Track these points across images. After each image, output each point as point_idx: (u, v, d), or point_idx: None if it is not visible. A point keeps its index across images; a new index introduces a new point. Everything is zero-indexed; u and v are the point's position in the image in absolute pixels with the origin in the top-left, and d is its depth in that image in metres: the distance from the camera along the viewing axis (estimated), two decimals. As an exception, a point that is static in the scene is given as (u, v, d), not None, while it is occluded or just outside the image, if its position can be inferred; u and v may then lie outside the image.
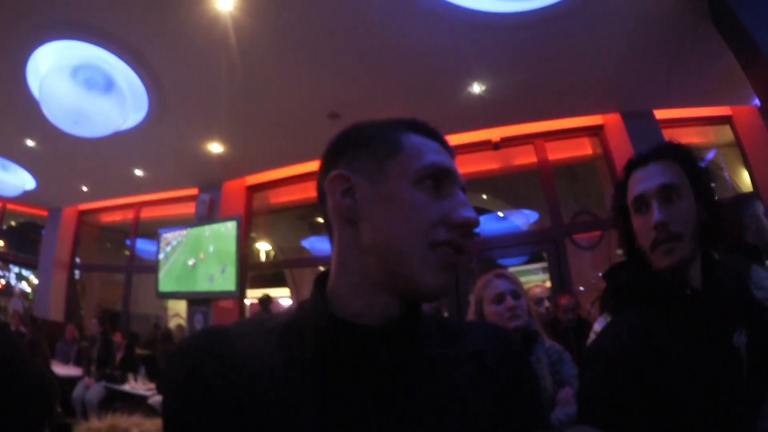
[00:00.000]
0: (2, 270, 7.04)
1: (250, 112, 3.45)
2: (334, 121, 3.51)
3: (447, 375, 0.46)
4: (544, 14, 2.62)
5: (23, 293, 6.77)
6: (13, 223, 6.98)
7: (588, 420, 0.69)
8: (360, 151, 0.47)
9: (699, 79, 3.43)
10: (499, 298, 1.36)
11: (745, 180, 3.97)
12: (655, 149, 0.78)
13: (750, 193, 1.75)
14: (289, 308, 0.51)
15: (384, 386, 0.43)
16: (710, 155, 4.30)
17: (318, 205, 0.51)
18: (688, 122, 4.01)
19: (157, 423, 0.81)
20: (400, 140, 0.47)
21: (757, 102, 3.69)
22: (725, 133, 4.10)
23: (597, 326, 1.89)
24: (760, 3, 2.28)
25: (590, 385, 0.73)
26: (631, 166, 0.80)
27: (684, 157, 0.76)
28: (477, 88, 3.28)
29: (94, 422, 0.81)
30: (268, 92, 3.19)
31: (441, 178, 0.46)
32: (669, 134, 3.73)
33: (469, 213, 0.45)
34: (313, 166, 4.36)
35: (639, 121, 3.80)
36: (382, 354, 0.43)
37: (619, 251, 0.86)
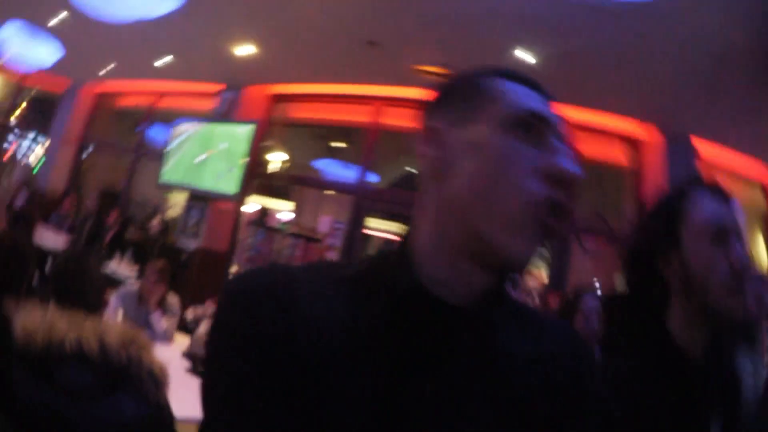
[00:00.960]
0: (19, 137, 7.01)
1: (289, 18, 3.28)
2: (371, 48, 3.36)
3: (519, 373, 0.43)
4: (627, 7, 2.44)
5: (27, 166, 6.77)
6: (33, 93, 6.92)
7: None
8: (451, 101, 0.45)
9: (751, 126, 3.26)
10: None
11: (761, 253, 3.83)
12: (728, 194, 0.70)
13: None
14: (363, 260, 0.46)
15: (452, 371, 0.40)
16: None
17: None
18: (721, 166, 3.81)
19: (95, 327, 0.76)
20: (492, 85, 0.44)
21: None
22: (754, 195, 3.94)
23: None
24: None
25: None
26: (701, 185, 0.70)
27: None
28: (520, 54, 3.11)
29: (35, 315, 0.77)
30: (312, 4, 3.03)
31: (535, 125, 0.41)
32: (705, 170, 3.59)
33: (568, 164, 0.39)
34: (343, 88, 4.23)
35: (679, 147, 3.67)
36: (462, 339, 0.40)
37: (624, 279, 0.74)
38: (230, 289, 0.41)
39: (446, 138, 0.43)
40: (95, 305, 1.09)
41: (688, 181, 0.73)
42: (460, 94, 0.45)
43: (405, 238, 0.45)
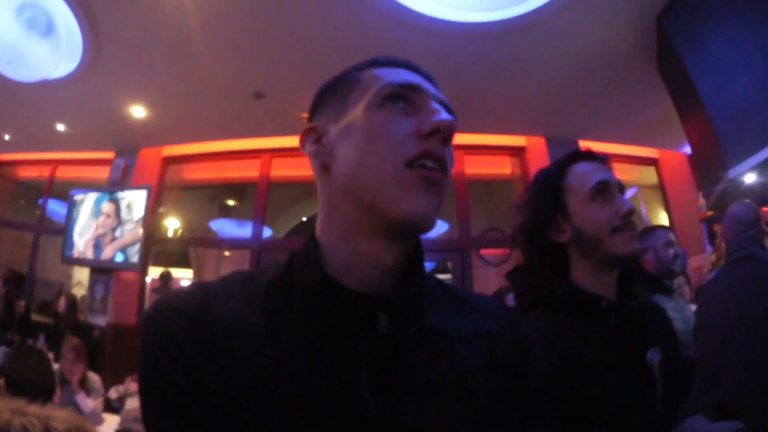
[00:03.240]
0: None
1: (178, 79, 3.36)
2: (258, 100, 3.49)
3: (453, 353, 0.43)
4: (487, 30, 2.69)
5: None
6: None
7: None
8: (327, 100, 0.48)
9: (632, 118, 3.62)
10: None
11: (662, 222, 4.18)
12: (602, 155, 0.81)
13: (656, 225, 1.79)
14: (278, 263, 0.46)
15: (382, 357, 0.39)
16: (632, 192, 4.53)
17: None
18: (614, 158, 4.18)
19: (40, 413, 0.73)
20: (361, 74, 0.46)
21: (685, 149, 3.92)
22: (649, 175, 4.33)
23: None
24: (708, 56, 2.30)
25: None
26: (577, 157, 0.80)
27: None
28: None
29: None
30: (198, 62, 3.13)
31: (407, 96, 0.43)
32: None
33: (440, 117, 0.41)
34: (233, 145, 4.29)
35: (563, 148, 3.93)
36: (381, 323, 0.39)
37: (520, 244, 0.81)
38: (149, 314, 0.41)
39: (326, 133, 0.45)
40: (47, 393, 1.06)
41: (562, 157, 0.82)
42: (333, 92, 0.47)
43: (311, 234, 0.45)
